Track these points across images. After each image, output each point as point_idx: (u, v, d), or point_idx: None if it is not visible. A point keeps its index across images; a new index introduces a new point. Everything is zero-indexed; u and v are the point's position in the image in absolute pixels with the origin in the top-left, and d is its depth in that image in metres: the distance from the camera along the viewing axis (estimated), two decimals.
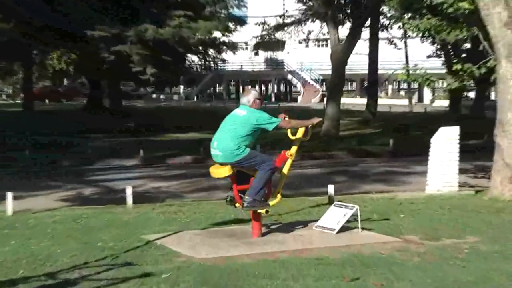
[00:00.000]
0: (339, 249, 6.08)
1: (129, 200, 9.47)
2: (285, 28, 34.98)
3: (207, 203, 9.71)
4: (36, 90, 45.43)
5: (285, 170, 6.68)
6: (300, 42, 48.17)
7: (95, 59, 30.21)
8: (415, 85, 44.30)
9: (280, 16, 34.65)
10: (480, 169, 14.07)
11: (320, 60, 51.85)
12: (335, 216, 6.95)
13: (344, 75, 24.61)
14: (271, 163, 6.38)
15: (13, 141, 21.26)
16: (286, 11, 34.40)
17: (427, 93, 57.15)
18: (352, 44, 23.60)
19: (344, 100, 31.51)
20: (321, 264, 5.49)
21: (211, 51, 38.95)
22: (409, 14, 14.62)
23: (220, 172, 6.36)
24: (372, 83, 32.47)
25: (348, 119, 30.61)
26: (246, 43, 56.49)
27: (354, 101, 50.07)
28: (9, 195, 9.04)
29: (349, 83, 71.10)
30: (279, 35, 37.20)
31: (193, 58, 40.25)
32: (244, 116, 6.35)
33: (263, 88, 68.87)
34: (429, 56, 36.24)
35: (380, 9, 27.18)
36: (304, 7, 31.42)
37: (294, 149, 6.68)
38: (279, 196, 6.71)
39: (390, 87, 64.22)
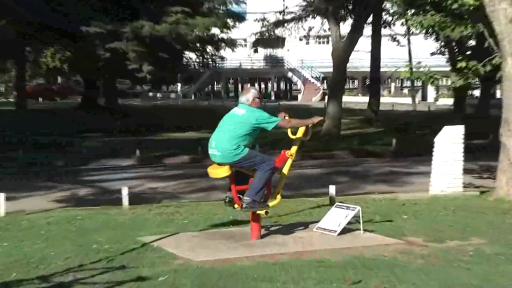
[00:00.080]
0: (340, 251, 6.08)
1: (125, 201, 9.47)
2: (285, 24, 34.97)
3: (205, 204, 9.71)
4: (29, 88, 45.43)
5: (285, 170, 6.68)
6: (300, 39, 48.22)
7: (90, 56, 30.21)
8: (418, 83, 44.36)
9: (280, 12, 34.62)
10: (485, 169, 14.08)
11: (321, 58, 51.83)
12: (336, 217, 6.95)
13: (345, 72, 24.60)
14: (271, 163, 6.38)
15: (6, 140, 21.25)
16: (286, 7, 34.36)
17: (431, 92, 57.19)
18: (354, 41, 23.59)
19: (345, 98, 31.48)
20: (322, 266, 5.49)
21: (209, 48, 38.96)
22: (413, 10, 14.60)
23: (218, 172, 6.36)
24: (374, 81, 32.47)
25: (349, 118, 30.60)
26: (245, 40, 56.52)
27: (355, 100, 50.02)
28: (2, 196, 9.04)
29: (350, 81, 71.07)
30: (279, 31, 37.20)
31: (190, 55, 40.25)
32: (243, 115, 6.34)
33: (263, 86, 68.89)
34: (433, 54, 36.24)
35: (383, 5, 27.17)
36: (304, 3, 31.40)
37: (294, 148, 6.67)
38: (279, 197, 6.70)
39: (393, 85, 64.22)
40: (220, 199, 8.41)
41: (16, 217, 8.77)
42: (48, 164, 17.03)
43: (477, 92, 41.72)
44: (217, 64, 49.53)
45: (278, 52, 63.13)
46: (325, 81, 57.82)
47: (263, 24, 35.31)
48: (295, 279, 5.10)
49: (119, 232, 7.28)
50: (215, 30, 35.89)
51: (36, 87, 51.91)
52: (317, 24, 34.43)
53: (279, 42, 54.59)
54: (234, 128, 6.28)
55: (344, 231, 6.79)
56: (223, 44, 38.70)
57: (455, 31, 11.54)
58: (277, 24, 35.13)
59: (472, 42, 28.55)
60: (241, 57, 57.95)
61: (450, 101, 42.24)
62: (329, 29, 25.33)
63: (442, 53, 35.66)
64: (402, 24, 24.04)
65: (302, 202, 9.51)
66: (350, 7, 27.59)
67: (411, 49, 40.36)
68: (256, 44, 55.58)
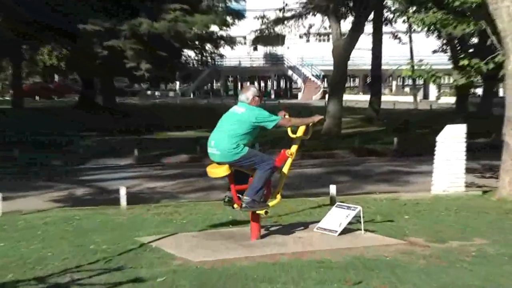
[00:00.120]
0: (341, 251, 6.08)
1: (123, 201, 9.46)
2: (285, 22, 34.97)
3: (204, 204, 9.71)
4: (26, 86, 45.41)
5: (285, 169, 6.68)
6: (300, 37, 48.18)
7: (87, 54, 30.18)
8: (420, 82, 44.35)
9: (280, 10, 34.64)
10: (488, 169, 14.09)
11: (321, 55, 51.89)
12: (337, 217, 6.95)
13: (346, 71, 24.60)
14: (270, 163, 6.37)
15: (2, 139, 21.24)
16: (286, 4, 34.39)
17: (432, 90, 57.20)
18: (354, 39, 23.59)
19: (346, 97, 31.49)
20: (323, 267, 5.49)
21: (208, 46, 38.93)
22: (414, 8, 14.62)
23: (217, 171, 6.36)
24: (375, 79, 32.47)
25: (350, 117, 30.61)
26: (244, 38, 56.55)
27: (356, 98, 50.06)
28: None
29: (351, 79, 71.13)
30: (278, 29, 37.17)
31: (189, 53, 40.22)
32: (242, 114, 6.34)
33: (262, 84, 68.92)
34: (434, 51, 36.27)
35: (384, 2, 27.19)
36: (304, 0, 31.40)
37: (294, 148, 6.67)
38: (278, 196, 6.70)
39: (394, 83, 64.26)
40: (219, 198, 8.39)
41: (13, 217, 8.77)
42: (46, 164, 17.04)
43: (479, 91, 41.76)
44: (216, 62, 49.51)
45: (278, 50, 63.15)
46: (325, 79, 57.91)
47: (262, 21, 35.29)
48: (295, 280, 5.10)
49: (117, 232, 7.28)
50: (214, 28, 35.86)
51: (33, 86, 51.90)
52: (317, 21, 34.43)
53: (279, 39, 54.55)
54: (233, 126, 6.28)
55: (345, 231, 6.79)
56: (222, 41, 38.68)
57: (457, 29, 11.55)
58: (277, 21, 35.12)
59: (475, 40, 28.56)
60: (240, 55, 57.98)
61: (452, 100, 42.24)
62: (329, 26, 25.35)
63: (444, 51, 35.70)
64: (403, 21, 24.14)
65: (302, 202, 9.51)
66: (351, 4, 27.59)
67: (412, 47, 40.38)
68: (256, 42, 55.54)
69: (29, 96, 43.09)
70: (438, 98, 54.42)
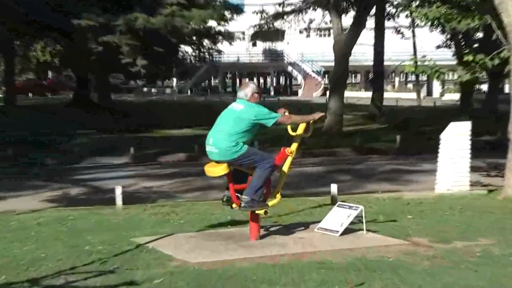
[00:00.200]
0: (342, 252, 6.08)
1: (119, 200, 9.47)
2: (285, 16, 34.95)
3: (202, 204, 9.72)
4: (19, 83, 45.37)
5: (285, 168, 6.68)
6: (300, 32, 48.14)
7: (81, 50, 30.15)
8: (423, 78, 44.35)
9: (279, 4, 34.60)
10: (493, 167, 14.10)
11: (322, 51, 51.86)
12: (338, 217, 6.96)
13: (347, 67, 24.63)
14: (270, 161, 6.37)
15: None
16: None
17: (436, 86, 57.25)
18: (356, 34, 23.61)
19: (347, 93, 31.53)
20: (323, 268, 5.49)
21: (205, 42, 38.90)
22: (417, 2, 14.63)
23: (216, 170, 6.35)
24: (377, 75, 32.47)
25: (352, 114, 30.64)
26: (243, 33, 56.56)
27: (358, 95, 50.09)
28: None
29: (353, 75, 71.17)
30: (278, 24, 37.17)
31: (186, 49, 40.20)
32: (241, 111, 6.33)
33: (262, 81, 68.90)
34: (438, 47, 36.26)
35: None
36: None
37: (294, 146, 6.67)
38: (278, 196, 6.70)
39: (397, 79, 64.27)
40: (218, 198, 8.40)
41: (6, 217, 8.76)
42: (41, 163, 17.04)
43: (484, 87, 41.76)
44: (214, 58, 49.48)
45: (278, 46, 63.13)
46: (326, 76, 57.83)
47: (262, 16, 35.28)
48: (296, 281, 5.10)
49: (112, 233, 7.27)
50: (212, 23, 35.83)
51: (26, 82, 51.85)
52: (318, 16, 34.43)
53: (279, 35, 54.55)
54: (232, 124, 6.27)
55: (346, 231, 6.79)
56: (220, 37, 38.64)
57: (462, 23, 11.53)
58: (277, 16, 35.11)
59: (480, 35, 28.53)
60: (239, 50, 57.91)
61: (456, 96, 42.25)
62: (330, 21, 25.36)
63: (448, 46, 35.67)
64: (406, 16, 24.15)
65: (303, 202, 9.52)
66: None
67: (416, 42, 40.41)
68: (255, 37, 55.63)
69: (22, 93, 43.03)
70: (442, 94, 54.47)
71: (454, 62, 29.14)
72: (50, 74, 62.76)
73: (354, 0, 27.27)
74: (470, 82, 15.94)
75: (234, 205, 6.50)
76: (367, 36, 29.87)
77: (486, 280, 5.21)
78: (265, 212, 6.48)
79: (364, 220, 6.90)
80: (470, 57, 11.22)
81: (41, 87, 52.19)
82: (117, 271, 5.47)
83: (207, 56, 42.11)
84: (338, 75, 24.27)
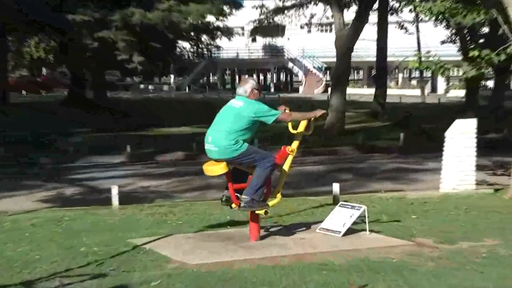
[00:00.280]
0: (344, 253, 6.09)
1: (115, 200, 9.47)
2: (285, 11, 34.98)
3: (201, 204, 9.73)
4: (12, 80, 45.33)
5: (286, 167, 6.67)
6: (301, 27, 48.28)
7: (76, 46, 30.13)
8: (428, 74, 44.40)
9: None
10: (499, 166, 14.10)
11: (323, 47, 51.82)
12: (340, 217, 6.96)
13: (349, 63, 24.59)
14: (271, 160, 6.36)
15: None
16: None
17: (441, 83, 57.26)
18: (358, 29, 23.57)
19: (350, 90, 31.54)
20: (325, 269, 5.49)
21: (204, 37, 38.92)
22: None
23: (214, 169, 6.34)
24: (380, 71, 32.45)
25: (354, 111, 30.63)
26: (242, 28, 56.57)
27: (361, 92, 50.14)
28: None
29: (355, 71, 71.19)
30: (278, 19, 37.22)
31: (184, 44, 40.23)
32: (241, 108, 6.32)
33: (262, 77, 68.91)
34: (443, 42, 36.25)
35: None
36: None
37: (295, 144, 6.66)
38: (279, 195, 6.70)
39: (400, 76, 64.29)
40: (217, 198, 8.41)
41: None
42: (31, 162, 17.04)
43: (490, 83, 41.77)
44: (212, 54, 49.54)
45: (278, 41, 63.18)
46: (328, 72, 57.87)
47: (261, 11, 35.32)
48: (297, 283, 5.11)
49: (108, 234, 7.28)
50: (210, 18, 35.85)
51: (19, 79, 51.84)
52: (319, 11, 34.43)
53: (279, 30, 54.60)
54: (232, 121, 6.26)
55: (349, 232, 6.79)
56: (219, 32, 38.64)
57: (467, 18, 11.52)
58: (277, 11, 35.14)
59: (485, 30, 28.54)
60: (238, 46, 57.99)
61: (461, 93, 42.26)
62: (332, 16, 25.30)
63: (453, 42, 35.65)
64: (410, 10, 24.07)
65: (304, 201, 9.53)
66: None
67: (419, 37, 40.41)
68: (254, 33, 55.65)
69: (15, 91, 43.00)
70: (446, 91, 54.47)
71: (459, 58, 29.08)
72: (44, 70, 62.77)
73: None
74: (476, 78, 15.95)
75: (233, 205, 6.49)
76: (369, 31, 29.84)
77: (492, 281, 5.21)
78: (266, 212, 6.48)
79: (367, 220, 6.90)
80: (476, 53, 11.21)
81: (35, 84, 52.17)
82: (113, 273, 5.47)
83: (206, 52, 42.15)
84: (340, 71, 24.25)
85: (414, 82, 61.63)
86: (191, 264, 5.72)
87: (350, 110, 28.72)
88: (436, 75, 44.04)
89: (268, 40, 63.52)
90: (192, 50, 40.60)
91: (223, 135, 6.23)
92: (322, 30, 55.42)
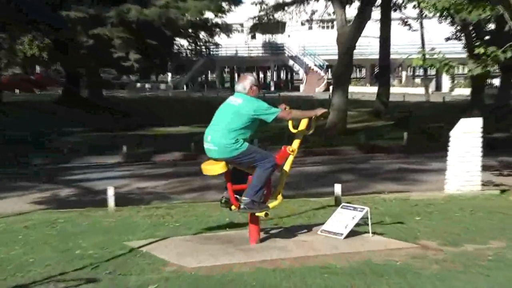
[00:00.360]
0: (347, 256, 6.09)
1: (111, 202, 9.46)
2: (286, 7, 34.99)
3: (199, 205, 9.73)
4: (4, 78, 45.30)
5: (287, 167, 6.66)
6: (302, 24, 48.30)
7: (71, 44, 30.11)
8: (432, 72, 44.40)
9: None
10: (505, 166, 14.10)
11: (325, 44, 51.87)
12: (342, 219, 6.96)
13: (352, 60, 24.60)
14: (272, 160, 6.35)
15: None
16: None
17: (445, 81, 57.23)
18: (361, 26, 23.58)
19: (352, 88, 31.52)
20: (327, 273, 5.50)
21: (202, 34, 38.90)
22: None
23: (213, 169, 6.32)
24: (383, 69, 32.49)
25: (356, 110, 30.65)
26: (241, 25, 56.45)
27: (363, 90, 50.15)
28: None
29: (357, 69, 71.23)
30: (278, 15, 37.17)
31: (182, 42, 40.22)
32: (240, 105, 6.30)
33: (261, 75, 68.93)
34: (448, 39, 36.25)
35: None
36: None
37: (296, 143, 6.65)
38: (279, 197, 6.69)
39: (404, 73, 64.33)
40: (216, 199, 8.42)
41: None
42: (24, 162, 17.05)
43: (496, 81, 41.76)
44: (211, 52, 49.56)
45: (278, 38, 63.12)
46: (329, 70, 57.89)
47: (261, 7, 35.28)
48: (298, 286, 5.11)
49: (104, 236, 7.28)
50: (209, 14, 35.82)
51: (12, 77, 51.76)
52: (320, 7, 34.46)
53: (279, 27, 54.48)
54: (231, 119, 6.23)
55: (351, 234, 6.80)
56: (217, 29, 38.62)
57: (473, 14, 11.51)
58: (277, 7, 35.13)
59: (491, 26, 28.53)
60: (237, 43, 57.93)
61: (467, 91, 42.24)
62: (333, 12, 25.31)
63: (458, 38, 35.62)
64: (414, 6, 24.09)
65: (305, 203, 9.52)
66: None
67: (424, 34, 40.44)
68: (254, 30, 55.45)
69: (7, 89, 42.95)
70: (451, 89, 54.45)
71: (465, 55, 29.01)
72: (38, 68, 62.70)
73: None
74: (481, 76, 15.94)
75: (233, 207, 6.48)
76: (372, 28, 29.88)
77: (498, 285, 5.22)
78: (266, 214, 6.46)
79: (369, 222, 6.90)
80: (481, 50, 11.21)
81: (28, 82, 52.11)
82: (109, 276, 5.48)
83: (204, 50, 42.15)
84: (342, 69, 24.25)
85: (418, 80, 61.65)
86: (189, 267, 5.73)
87: (352, 109, 28.74)
88: (440, 73, 44.01)
89: (268, 37, 63.46)
90: (190, 47, 40.60)
91: (222, 133, 6.21)
92: (323, 27, 55.50)
